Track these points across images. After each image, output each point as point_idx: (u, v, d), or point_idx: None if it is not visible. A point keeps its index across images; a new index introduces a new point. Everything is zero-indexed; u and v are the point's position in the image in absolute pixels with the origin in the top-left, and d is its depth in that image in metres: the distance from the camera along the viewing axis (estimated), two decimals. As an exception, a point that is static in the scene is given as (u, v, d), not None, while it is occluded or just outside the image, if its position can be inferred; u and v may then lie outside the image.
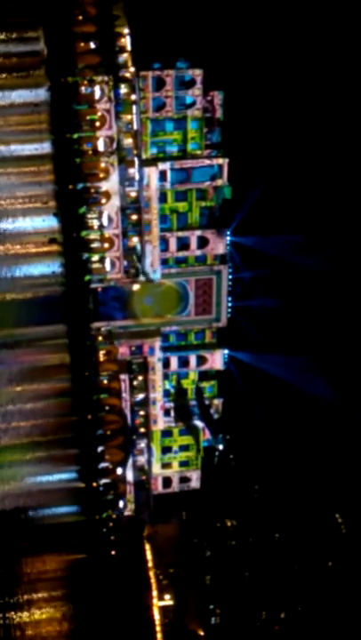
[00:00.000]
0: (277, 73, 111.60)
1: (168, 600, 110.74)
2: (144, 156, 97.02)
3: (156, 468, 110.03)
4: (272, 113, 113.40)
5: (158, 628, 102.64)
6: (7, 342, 45.56)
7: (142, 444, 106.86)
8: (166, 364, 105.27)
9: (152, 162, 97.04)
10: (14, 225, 51.33)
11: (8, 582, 39.85)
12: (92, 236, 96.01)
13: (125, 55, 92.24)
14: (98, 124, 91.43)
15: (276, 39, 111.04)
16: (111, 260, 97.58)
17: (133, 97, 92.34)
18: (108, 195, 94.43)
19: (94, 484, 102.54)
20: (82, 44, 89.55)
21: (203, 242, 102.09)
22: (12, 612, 38.80)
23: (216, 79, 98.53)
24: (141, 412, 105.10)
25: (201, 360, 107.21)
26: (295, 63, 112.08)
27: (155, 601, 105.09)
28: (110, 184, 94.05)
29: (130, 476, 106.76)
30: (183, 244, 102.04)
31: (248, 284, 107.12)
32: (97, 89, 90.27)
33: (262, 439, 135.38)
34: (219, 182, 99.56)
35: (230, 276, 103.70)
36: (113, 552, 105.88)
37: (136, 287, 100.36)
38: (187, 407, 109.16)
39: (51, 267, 75.63)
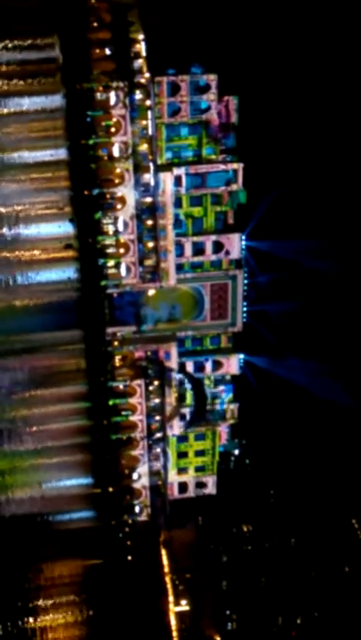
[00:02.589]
0: (292, 77, 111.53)
1: (184, 605, 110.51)
2: (159, 162, 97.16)
3: (172, 474, 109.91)
4: (287, 117, 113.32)
5: (175, 634, 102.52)
6: (23, 348, 45.71)
7: (158, 449, 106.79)
8: (182, 368, 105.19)
9: (167, 167, 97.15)
10: (30, 231, 51.52)
11: (25, 587, 39.93)
12: (108, 241, 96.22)
13: (140, 61, 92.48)
14: (113, 129, 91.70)
15: (290, 44, 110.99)
16: (127, 266, 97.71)
17: (148, 102, 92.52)
18: (123, 200, 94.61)
19: (110, 489, 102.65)
20: (97, 51, 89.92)
21: (218, 246, 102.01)
22: (29, 617, 38.87)
23: (231, 84, 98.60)
24: (157, 417, 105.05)
25: (217, 365, 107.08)
26: (310, 68, 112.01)
27: (171, 606, 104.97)
28: (126, 189, 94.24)
29: (146, 481, 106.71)
30: (198, 249, 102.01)
31: (263, 289, 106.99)
32: (112, 95, 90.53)
33: (278, 444, 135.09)
34: (234, 187, 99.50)
35: (246, 281, 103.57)
36: (129, 557, 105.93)
37: (152, 292, 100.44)
38: (203, 411, 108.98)
39: (66, 272, 75.84)
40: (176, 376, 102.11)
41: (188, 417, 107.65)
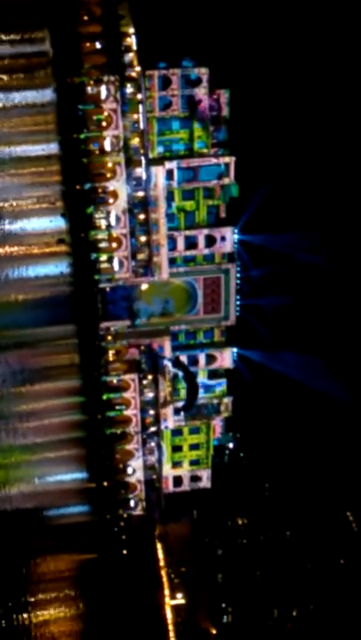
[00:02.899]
0: (283, 71, 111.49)
1: (180, 599, 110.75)
2: (151, 156, 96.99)
3: (167, 467, 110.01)
4: (279, 111, 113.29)
5: (170, 627, 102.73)
6: (17, 343, 45.64)
7: (152, 443, 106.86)
8: (176, 362, 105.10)
9: (159, 161, 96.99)
10: (22, 226, 51.40)
11: (20, 582, 39.92)
12: (100, 235, 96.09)
13: (131, 55, 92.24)
14: (104, 123, 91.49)
15: (281, 37, 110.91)
16: (119, 260, 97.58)
17: (140, 96, 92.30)
18: (115, 194, 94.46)
19: (105, 484, 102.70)
20: (87, 45, 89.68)
21: (210, 240, 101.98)
22: (25, 612, 38.87)
23: (222, 77, 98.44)
24: (151, 412, 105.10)
25: (210, 359, 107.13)
26: (301, 61, 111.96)
27: (167, 600, 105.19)
28: (117, 184, 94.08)
29: (140, 475, 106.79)
30: (191, 243, 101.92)
31: (256, 283, 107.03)
32: (103, 89, 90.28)
33: (273, 437, 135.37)
34: (226, 181, 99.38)
35: (238, 275, 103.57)
36: (124, 551, 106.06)
37: (145, 286, 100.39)
38: (196, 405, 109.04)
39: (59, 267, 75.71)
40: (170, 366, 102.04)
41: (181, 409, 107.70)
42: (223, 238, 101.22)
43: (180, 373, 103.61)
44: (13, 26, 53.52)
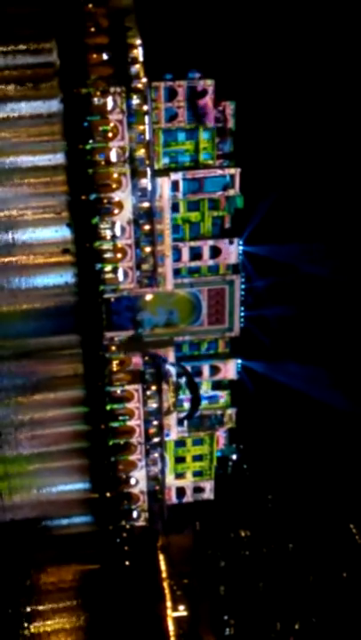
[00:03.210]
0: (289, 83, 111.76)
1: (182, 611, 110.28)
2: (156, 167, 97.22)
3: (170, 479, 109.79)
4: (284, 122, 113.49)
5: (172, 639, 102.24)
6: (21, 352, 45.69)
7: (156, 454, 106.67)
8: (180, 373, 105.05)
9: (164, 172, 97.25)
10: (27, 235, 51.55)
11: (23, 592, 39.85)
12: (105, 246, 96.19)
13: (137, 66, 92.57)
14: (110, 134, 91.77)
15: (287, 50, 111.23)
16: (124, 271, 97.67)
17: (145, 107, 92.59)
18: (120, 205, 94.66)
19: (108, 495, 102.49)
20: (94, 56, 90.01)
21: (215, 251, 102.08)
22: (27, 622, 38.80)
23: (228, 89, 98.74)
24: (155, 422, 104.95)
25: (214, 370, 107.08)
26: (307, 73, 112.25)
27: (169, 612, 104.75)
28: (123, 194, 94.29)
29: (143, 486, 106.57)
30: (196, 254, 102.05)
31: (261, 294, 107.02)
32: (109, 100, 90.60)
33: (276, 449, 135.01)
34: (231, 192, 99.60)
35: (243, 286, 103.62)
36: (127, 562, 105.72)
37: (149, 297, 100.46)
38: (200, 416, 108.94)
39: (64, 277, 75.86)
40: (174, 375, 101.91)
41: (183, 418, 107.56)
42: (228, 249, 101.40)
43: (184, 382, 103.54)
44: (20, 37, 53.81)
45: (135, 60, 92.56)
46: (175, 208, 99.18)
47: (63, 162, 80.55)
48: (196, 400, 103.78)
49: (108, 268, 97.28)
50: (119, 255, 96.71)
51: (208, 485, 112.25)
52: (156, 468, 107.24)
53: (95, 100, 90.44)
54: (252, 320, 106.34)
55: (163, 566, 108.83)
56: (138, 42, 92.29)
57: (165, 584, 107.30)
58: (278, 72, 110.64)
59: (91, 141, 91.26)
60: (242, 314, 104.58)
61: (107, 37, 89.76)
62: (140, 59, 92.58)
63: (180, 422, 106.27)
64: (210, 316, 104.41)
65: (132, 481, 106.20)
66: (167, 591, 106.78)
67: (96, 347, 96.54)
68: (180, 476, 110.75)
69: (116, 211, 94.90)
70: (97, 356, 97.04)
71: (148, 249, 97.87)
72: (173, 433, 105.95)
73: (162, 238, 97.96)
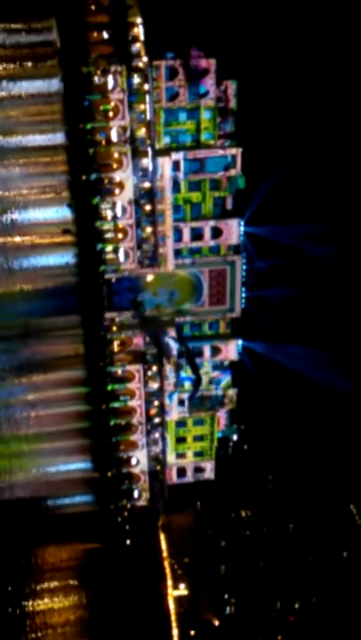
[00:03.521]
0: (291, 61, 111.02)
1: (183, 590, 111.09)
2: (157, 146, 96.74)
3: (171, 459, 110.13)
4: (286, 102, 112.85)
5: (173, 618, 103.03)
6: (22, 332, 45.69)
7: (157, 435, 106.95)
8: (181, 354, 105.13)
9: (165, 152, 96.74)
10: (28, 216, 51.42)
11: (24, 571, 40.07)
12: (106, 226, 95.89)
13: (138, 45, 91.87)
14: (111, 114, 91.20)
15: (289, 28, 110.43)
16: (125, 251, 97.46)
17: (146, 87, 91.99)
18: (121, 185, 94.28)
19: (109, 474, 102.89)
20: (95, 34, 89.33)
21: (216, 232, 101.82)
22: (29, 601, 39.04)
23: (229, 68, 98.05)
24: (155, 403, 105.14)
25: (215, 350, 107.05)
26: (309, 52, 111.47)
27: (169, 590, 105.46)
28: (124, 174, 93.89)
29: (144, 466, 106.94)
30: (197, 235, 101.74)
31: (262, 275, 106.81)
32: (110, 79, 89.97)
33: (277, 430, 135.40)
34: (232, 172, 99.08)
35: (244, 267, 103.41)
36: (128, 542, 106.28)
37: (150, 278, 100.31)
38: (202, 396, 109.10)
39: (64, 257, 75.80)
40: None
41: (186, 401, 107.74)
42: (229, 230, 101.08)
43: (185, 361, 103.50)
44: (20, 15, 53.41)
45: (136, 39, 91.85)
46: (176, 188, 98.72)
47: (63, 141, 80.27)
48: (197, 380, 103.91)
49: (109, 248, 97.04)
50: (120, 235, 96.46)
51: (209, 465, 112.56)
52: (156, 449, 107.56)
53: (96, 78, 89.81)
54: (254, 301, 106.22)
55: (163, 545, 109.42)
56: (139, 20, 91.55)
57: (166, 563, 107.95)
58: (280, 51, 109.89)
59: (91, 121, 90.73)
60: (243, 295, 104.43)
61: (107, 16, 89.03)
62: (141, 37, 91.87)
63: (180, 403, 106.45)
64: (211, 297, 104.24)
65: (133, 461, 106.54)
66: (168, 570, 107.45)
67: (97, 327, 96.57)
68: (180, 456, 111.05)
69: (116, 191, 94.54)
70: (98, 337, 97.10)
71: (148, 229, 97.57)
72: (174, 413, 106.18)
73: (163, 218, 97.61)
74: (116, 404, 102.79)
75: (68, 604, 57.56)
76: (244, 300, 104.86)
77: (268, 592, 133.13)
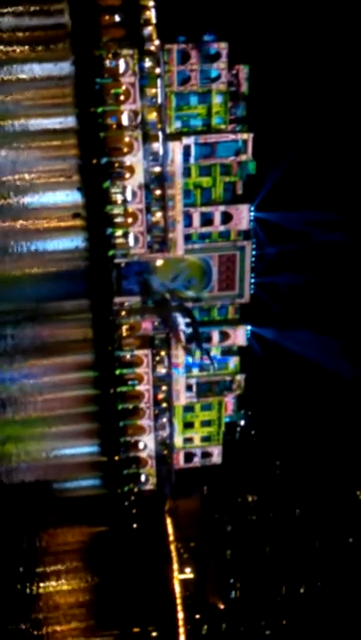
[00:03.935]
0: (303, 46, 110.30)
1: (189, 573, 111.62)
2: (168, 131, 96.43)
3: (178, 443, 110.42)
4: (298, 87, 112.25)
5: (179, 601, 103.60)
6: (31, 316, 45.77)
7: (164, 419, 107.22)
8: (189, 339, 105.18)
9: (176, 136, 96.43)
10: (38, 199, 51.38)
11: (32, 553, 40.33)
12: (116, 210, 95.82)
13: (150, 28, 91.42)
14: (122, 97, 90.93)
15: (301, 12, 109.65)
16: (135, 235, 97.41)
17: (158, 70, 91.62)
18: (131, 169, 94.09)
19: (116, 458, 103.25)
20: (106, 17, 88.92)
21: (226, 217, 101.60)
22: (36, 583, 39.31)
23: (241, 53, 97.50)
24: (163, 387, 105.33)
25: (224, 336, 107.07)
26: (321, 36, 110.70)
27: (175, 574, 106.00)
28: (134, 158, 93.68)
29: (152, 450, 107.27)
30: (207, 220, 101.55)
31: (272, 261, 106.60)
32: (121, 62, 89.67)
33: (284, 415, 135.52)
34: (243, 157, 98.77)
35: (254, 252, 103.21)
36: (135, 525, 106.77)
37: (159, 262, 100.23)
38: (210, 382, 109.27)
39: (74, 241, 75.77)
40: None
41: (193, 386, 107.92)
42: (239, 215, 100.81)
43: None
44: (32, -3, 53.19)
45: (148, 22, 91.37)
46: (187, 173, 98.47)
47: (74, 125, 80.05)
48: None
49: (119, 232, 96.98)
50: (130, 220, 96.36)
51: (216, 450, 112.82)
52: (164, 433, 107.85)
53: (107, 62, 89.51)
54: (263, 287, 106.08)
55: (170, 529, 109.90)
56: (151, 3, 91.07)
57: (172, 547, 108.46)
58: (293, 35, 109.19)
59: (102, 104, 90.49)
60: (252, 280, 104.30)
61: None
62: (153, 21, 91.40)
63: (188, 388, 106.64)
64: (220, 283, 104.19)
65: (141, 445, 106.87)
66: (174, 554, 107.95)
67: (106, 311, 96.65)
68: (188, 440, 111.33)
69: (127, 175, 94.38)
70: (107, 321, 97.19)
71: (158, 214, 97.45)
72: (182, 398, 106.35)
73: (173, 203, 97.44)
74: (124, 389, 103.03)
75: (75, 587, 57.94)
76: (253, 286, 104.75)
77: (274, 577, 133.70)
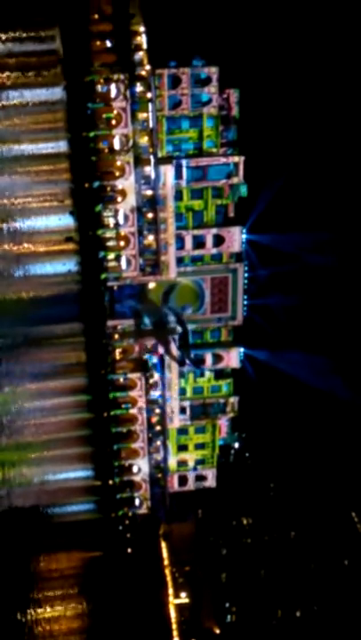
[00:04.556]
0: (293, 71, 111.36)
1: (184, 598, 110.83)
2: (160, 154, 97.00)
3: (172, 466, 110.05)
4: (288, 110, 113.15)
5: (174, 626, 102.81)
6: (24, 340, 45.69)
7: (158, 442, 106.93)
8: (182, 362, 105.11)
9: (168, 160, 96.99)
10: (30, 223, 51.45)
11: (25, 579, 40.01)
12: (108, 234, 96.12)
13: (141, 53, 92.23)
14: (114, 122, 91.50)
15: (291, 37, 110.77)
16: (127, 259, 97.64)
17: (149, 95, 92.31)
18: (123, 193, 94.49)
19: (110, 482, 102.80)
20: (98, 43, 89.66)
21: (219, 240, 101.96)
22: (30, 609, 38.96)
23: (232, 77, 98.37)
24: (157, 410, 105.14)
25: (217, 358, 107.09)
26: (311, 61, 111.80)
27: (171, 599, 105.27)
28: (126, 182, 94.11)
29: (146, 473, 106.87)
30: (199, 243, 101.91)
31: (264, 283, 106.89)
32: (113, 87, 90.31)
33: (278, 437, 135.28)
34: (235, 180, 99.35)
35: (246, 274, 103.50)
36: (129, 550, 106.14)
37: (152, 285, 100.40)
38: (204, 405, 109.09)
39: (67, 265, 75.80)
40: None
41: (187, 409, 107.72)
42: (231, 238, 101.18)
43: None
44: (23, 24, 53.55)
45: (139, 48, 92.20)
46: (178, 196, 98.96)
47: (66, 149, 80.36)
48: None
49: (111, 256, 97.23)
50: (122, 243, 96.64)
51: (210, 473, 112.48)
52: (158, 456, 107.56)
53: (98, 87, 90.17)
54: (256, 309, 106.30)
55: (165, 554, 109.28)
56: (141, 29, 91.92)
57: (167, 571, 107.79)
58: (282, 60, 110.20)
59: (94, 129, 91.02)
60: (245, 302, 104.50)
61: (110, 24, 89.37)
62: (144, 46, 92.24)
63: (182, 410, 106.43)
64: (213, 305, 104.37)
65: (135, 469, 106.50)
66: (169, 578, 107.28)
67: (99, 335, 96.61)
68: (182, 463, 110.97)
69: (119, 198, 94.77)
70: (100, 344, 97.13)
71: (151, 237, 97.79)
72: (176, 421, 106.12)
73: (165, 226, 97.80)
74: (118, 412, 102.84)
75: (70, 613, 57.46)
76: (245, 308, 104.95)
77: (270, 600, 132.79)
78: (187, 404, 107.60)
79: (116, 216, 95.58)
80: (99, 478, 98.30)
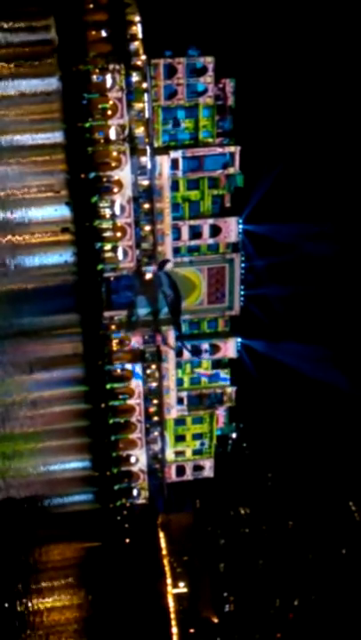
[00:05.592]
0: (289, 60, 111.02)
1: (182, 587, 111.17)
2: (156, 145, 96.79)
3: (170, 457, 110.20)
4: (284, 100, 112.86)
5: (173, 616, 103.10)
6: (21, 331, 45.68)
7: (156, 433, 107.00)
8: (180, 352, 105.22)
9: (164, 150, 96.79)
10: (27, 214, 51.36)
11: (24, 570, 40.11)
12: (105, 225, 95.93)
13: (137, 43, 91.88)
14: (109, 112, 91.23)
15: (287, 26, 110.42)
16: (123, 249, 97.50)
17: (145, 85, 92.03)
18: (120, 183, 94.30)
19: (108, 473, 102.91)
20: (93, 33, 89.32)
21: (215, 230, 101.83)
22: (28, 599, 39.08)
23: (228, 66, 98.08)
24: (155, 401, 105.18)
25: (214, 348, 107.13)
26: (307, 50, 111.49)
27: (169, 588, 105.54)
28: (122, 173, 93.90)
29: (143, 464, 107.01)
30: (195, 233, 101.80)
31: (261, 273, 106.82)
32: (108, 77, 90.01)
33: (276, 427, 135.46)
34: (231, 170, 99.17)
35: (243, 265, 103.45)
36: (127, 540, 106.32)
37: (149, 276, 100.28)
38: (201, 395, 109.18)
39: (63, 256, 75.75)
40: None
41: (184, 399, 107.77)
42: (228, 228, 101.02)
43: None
44: (19, 14, 53.36)
45: (134, 37, 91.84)
46: (175, 186, 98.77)
47: (62, 140, 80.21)
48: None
49: (108, 246, 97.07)
50: (119, 234, 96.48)
51: (208, 464, 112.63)
52: (156, 447, 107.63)
53: (94, 77, 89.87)
54: (252, 299, 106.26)
55: (163, 544, 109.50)
56: (137, 19, 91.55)
57: (166, 561, 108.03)
58: (279, 49, 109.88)
59: (90, 119, 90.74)
60: (242, 292, 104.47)
61: (106, 14, 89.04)
62: (140, 36, 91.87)
63: (179, 401, 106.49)
64: (210, 295, 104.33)
65: (133, 459, 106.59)
66: (167, 568, 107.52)
67: (96, 326, 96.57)
68: (179, 454, 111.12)
69: (115, 189, 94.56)
70: (97, 335, 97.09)
71: (147, 227, 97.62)
72: (173, 411, 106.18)
73: (161, 217, 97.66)
74: (116, 403, 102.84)
75: (68, 603, 57.63)
76: (242, 298, 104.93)
77: (268, 590, 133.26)
78: (184, 394, 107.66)
79: (112, 207, 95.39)
80: (96, 469, 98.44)
